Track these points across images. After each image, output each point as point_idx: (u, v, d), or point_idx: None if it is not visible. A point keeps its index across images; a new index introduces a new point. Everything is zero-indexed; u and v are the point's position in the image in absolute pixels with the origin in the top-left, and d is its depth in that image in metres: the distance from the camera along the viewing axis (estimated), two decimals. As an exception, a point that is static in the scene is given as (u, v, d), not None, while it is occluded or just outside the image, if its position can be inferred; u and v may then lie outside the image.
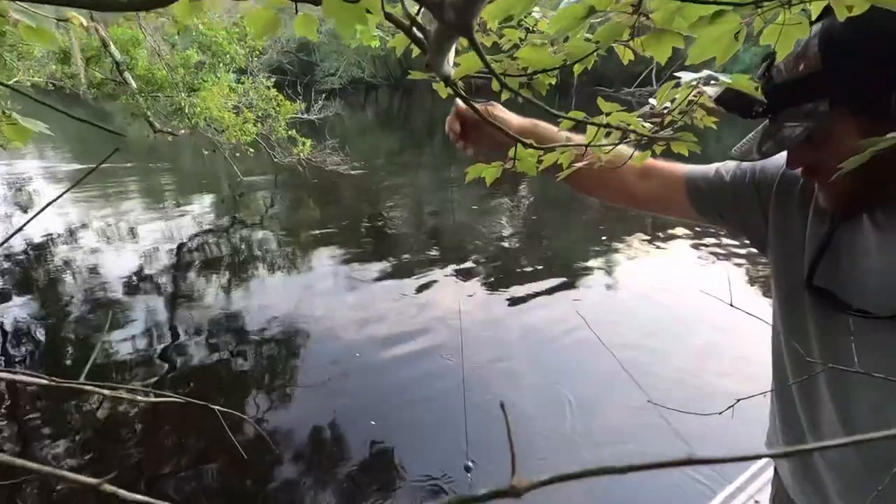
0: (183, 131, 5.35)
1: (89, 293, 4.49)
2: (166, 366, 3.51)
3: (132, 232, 6.02)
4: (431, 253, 5.66)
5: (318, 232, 6.28)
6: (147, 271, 4.99)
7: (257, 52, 6.34)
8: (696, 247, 5.74)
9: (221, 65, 5.57)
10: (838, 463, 0.72)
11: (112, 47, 4.83)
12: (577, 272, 5.14)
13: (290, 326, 4.02)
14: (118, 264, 5.09)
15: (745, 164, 0.81)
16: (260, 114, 6.14)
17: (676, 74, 0.63)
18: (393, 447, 2.76)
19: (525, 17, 0.53)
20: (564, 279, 4.91)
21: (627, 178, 0.90)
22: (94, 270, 4.99)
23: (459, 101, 0.84)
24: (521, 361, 3.58)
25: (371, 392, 3.26)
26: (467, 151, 0.91)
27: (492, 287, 4.75)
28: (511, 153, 0.62)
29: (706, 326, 3.87)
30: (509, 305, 4.37)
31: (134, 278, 4.81)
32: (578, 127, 0.59)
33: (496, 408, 2.87)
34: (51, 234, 5.77)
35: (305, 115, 7.50)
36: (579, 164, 0.63)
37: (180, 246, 5.70)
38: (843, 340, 0.65)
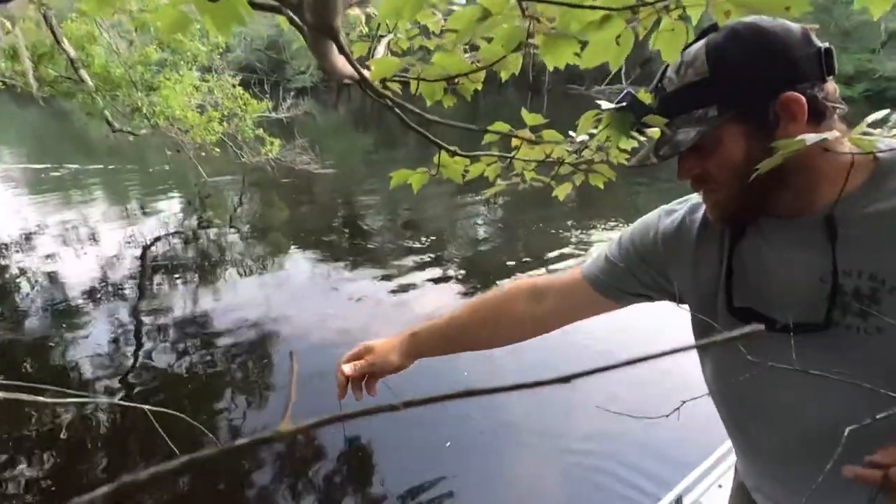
0: (144, 131, 5.18)
1: (47, 300, 4.31)
2: (132, 373, 3.40)
3: (93, 236, 5.81)
4: (406, 253, 5.63)
5: (289, 232, 6.18)
6: (110, 276, 4.83)
7: (220, 50, 6.18)
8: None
9: (183, 62, 5.42)
10: (778, 455, 0.74)
11: (66, 43, 4.64)
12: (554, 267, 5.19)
13: (262, 329, 3.94)
14: (78, 270, 4.91)
15: (625, 241, 0.83)
16: (226, 113, 5.99)
17: (598, 101, 0.64)
18: (372, 447, 2.74)
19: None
20: (539, 273, 4.95)
21: (522, 311, 0.90)
22: (52, 277, 4.80)
23: (345, 367, 0.89)
24: (503, 360, 3.59)
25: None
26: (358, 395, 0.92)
27: (465, 284, 4.76)
28: (435, 160, 0.61)
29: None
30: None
31: (95, 284, 4.65)
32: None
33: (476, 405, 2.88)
34: (4, 241, 5.53)
35: (274, 114, 7.36)
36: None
37: (145, 249, 5.54)
38: (768, 353, 0.65)
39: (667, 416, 0.52)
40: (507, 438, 2.80)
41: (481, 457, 2.64)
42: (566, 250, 5.62)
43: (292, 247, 5.68)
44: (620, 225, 6.26)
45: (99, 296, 4.42)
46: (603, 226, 6.27)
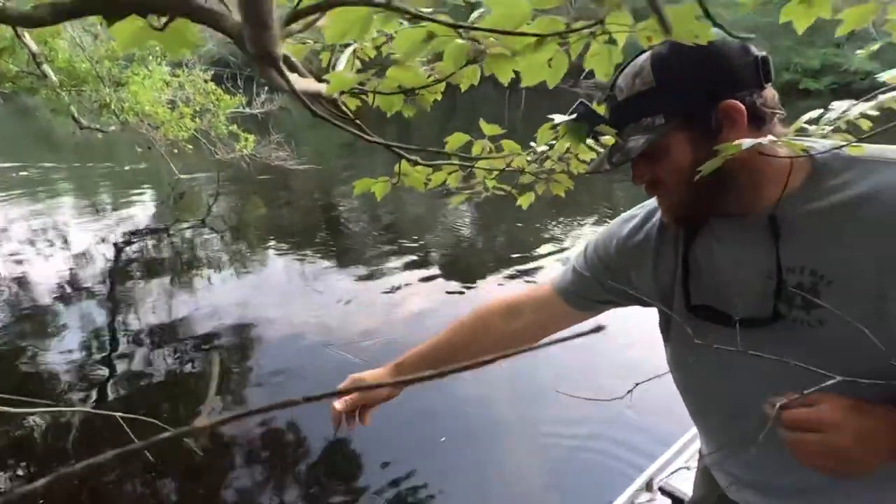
0: (113, 128, 5.03)
1: (14, 304, 4.19)
2: (105, 378, 3.33)
3: (62, 236, 5.65)
4: (388, 251, 5.61)
5: (266, 230, 6.10)
6: (81, 278, 4.70)
7: (191, 44, 6.02)
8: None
9: (152, 57, 5.27)
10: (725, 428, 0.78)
11: (27, 37, 4.47)
12: (534, 265, 5.24)
13: (241, 329, 3.89)
14: (47, 272, 4.77)
15: (590, 251, 0.86)
16: (198, 109, 5.86)
17: (550, 116, 0.65)
18: (354, 446, 2.74)
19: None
20: (521, 269, 4.99)
21: (500, 329, 0.92)
22: (20, 280, 4.65)
23: (336, 403, 0.89)
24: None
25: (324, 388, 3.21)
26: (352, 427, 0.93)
27: (448, 282, 4.77)
28: (396, 168, 0.62)
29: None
30: (466, 297, 4.41)
31: (66, 286, 4.52)
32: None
33: (464, 400, 2.90)
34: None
35: (248, 110, 7.22)
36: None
37: (117, 250, 5.41)
38: (727, 349, 0.69)
39: (621, 398, 0.56)
40: (490, 429, 2.83)
41: (468, 447, 2.67)
42: (548, 247, 5.68)
43: (271, 245, 5.61)
44: (602, 218, 6.35)
45: (70, 299, 4.31)
46: (583, 220, 6.34)
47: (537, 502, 2.44)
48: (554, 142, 0.55)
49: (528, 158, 0.59)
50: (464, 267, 5.19)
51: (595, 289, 0.86)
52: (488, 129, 0.55)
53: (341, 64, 0.56)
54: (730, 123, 0.62)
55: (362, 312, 4.19)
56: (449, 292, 4.50)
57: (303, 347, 3.67)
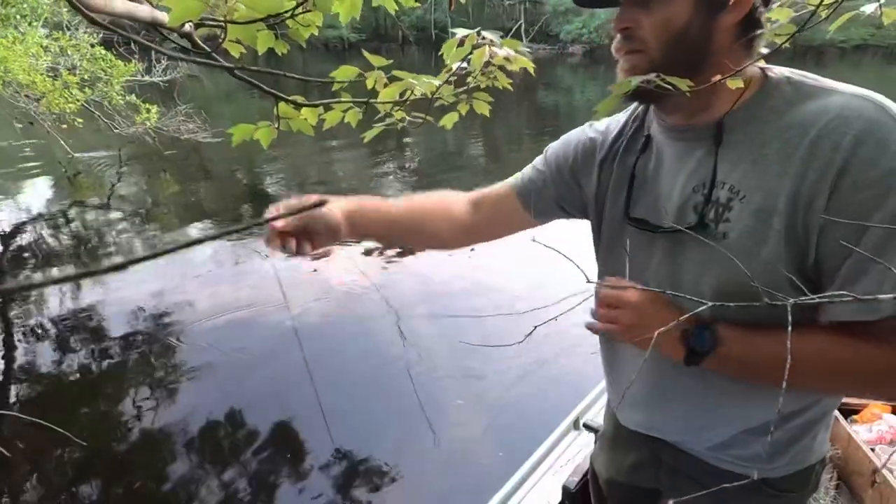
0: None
1: None
2: (7, 383, 2.98)
3: (-68, 230, 4.92)
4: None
5: (182, 209, 5.64)
6: (-42, 275, 4.14)
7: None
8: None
9: (20, 17, 4.57)
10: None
11: None
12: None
13: (162, 317, 3.62)
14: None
15: (550, 153, 0.86)
16: (86, 77, 5.21)
17: (453, 30, 0.59)
18: (300, 426, 2.66)
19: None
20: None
21: (459, 218, 0.91)
22: None
23: (275, 224, 0.76)
24: (420, 321, 3.61)
25: (268, 372, 3.08)
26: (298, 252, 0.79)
27: (381, 250, 4.68)
28: (275, 111, 0.54)
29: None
30: (405, 268, 4.35)
31: (-60, 286, 3.96)
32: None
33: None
34: None
35: (147, 78, 6.52)
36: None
37: (3, 238, 4.80)
38: (650, 258, 0.73)
39: (520, 342, 0.59)
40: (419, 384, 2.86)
41: (398, 408, 2.67)
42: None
43: (189, 225, 5.20)
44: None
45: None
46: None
47: (473, 450, 2.51)
48: (470, 57, 0.50)
49: (440, 81, 0.53)
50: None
51: (548, 191, 0.86)
52: (375, 60, 0.48)
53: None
54: (736, 4, 0.59)
55: (297, 290, 4.03)
56: (387, 263, 4.43)
57: (234, 331, 3.48)
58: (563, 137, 0.86)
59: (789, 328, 0.37)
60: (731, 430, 0.74)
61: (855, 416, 1.69)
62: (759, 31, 0.61)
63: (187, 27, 0.43)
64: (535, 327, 0.52)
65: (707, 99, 0.65)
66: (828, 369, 0.60)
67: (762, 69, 0.65)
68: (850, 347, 0.58)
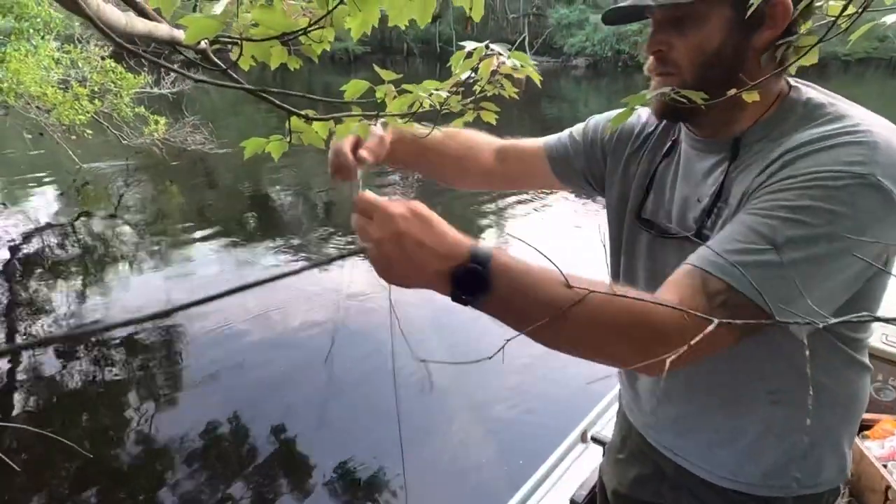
0: (-8, 112, 4.42)
1: None
2: (9, 389, 2.99)
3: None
4: (324, 234, 5.41)
5: (188, 220, 5.68)
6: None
7: (80, 15, 5.37)
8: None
9: (33, 31, 4.65)
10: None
11: None
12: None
13: (166, 325, 3.62)
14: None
15: (591, 124, 0.87)
16: (96, 89, 5.28)
17: (461, 44, 0.60)
18: (298, 438, 2.65)
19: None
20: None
21: (485, 161, 0.92)
22: None
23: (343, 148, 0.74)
24: (427, 334, 3.60)
25: (269, 384, 3.07)
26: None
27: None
28: (287, 125, 0.55)
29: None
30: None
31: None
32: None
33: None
34: None
35: (156, 90, 6.61)
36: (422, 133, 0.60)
37: (13, 248, 4.83)
38: (664, 263, 0.72)
39: (489, 358, 0.51)
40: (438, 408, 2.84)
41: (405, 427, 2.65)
42: (486, 220, 5.71)
43: (195, 235, 5.23)
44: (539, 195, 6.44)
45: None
46: (519, 195, 6.38)
47: (479, 463, 2.49)
48: (478, 67, 0.51)
49: (447, 91, 0.54)
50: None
51: (579, 159, 0.87)
52: (385, 74, 0.48)
53: (219, 7, 0.47)
54: (772, 23, 0.58)
55: (300, 301, 4.03)
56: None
57: (239, 341, 3.48)
58: (609, 113, 0.86)
59: (806, 352, 0.37)
60: (732, 445, 0.73)
61: (867, 433, 1.67)
62: (788, 47, 0.61)
63: (203, 44, 0.45)
64: (508, 340, 0.48)
65: (731, 114, 0.65)
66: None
67: (789, 84, 0.65)
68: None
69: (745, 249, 0.54)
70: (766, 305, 0.51)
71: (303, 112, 0.52)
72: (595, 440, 1.56)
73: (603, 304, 0.52)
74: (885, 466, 1.51)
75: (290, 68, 0.50)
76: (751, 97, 0.54)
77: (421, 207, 0.54)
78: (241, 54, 0.41)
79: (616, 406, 1.74)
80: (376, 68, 0.49)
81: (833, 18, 0.45)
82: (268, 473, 2.48)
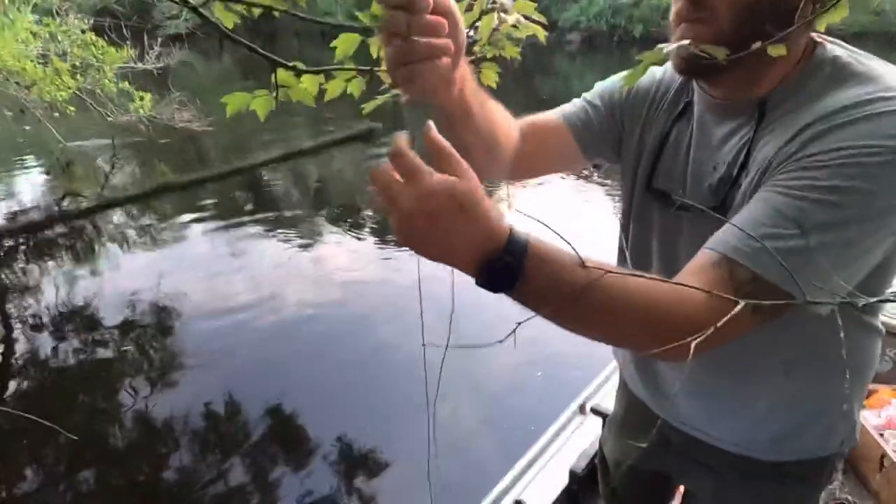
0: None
1: None
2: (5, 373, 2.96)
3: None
4: (315, 211, 5.35)
5: (178, 199, 5.58)
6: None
7: (57, -15, 5.17)
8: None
9: (8, 1, 4.45)
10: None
11: None
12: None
13: (159, 306, 3.59)
14: None
15: (607, 86, 0.80)
16: (77, 63, 5.10)
17: None
18: (299, 417, 2.65)
19: None
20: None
21: (513, 142, 0.76)
22: None
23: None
24: (412, 314, 3.58)
25: (267, 363, 3.06)
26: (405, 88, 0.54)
27: (379, 239, 4.64)
28: (272, 79, 0.50)
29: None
30: (401, 260, 4.32)
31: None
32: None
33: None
34: None
35: (140, 65, 6.41)
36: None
37: (-4, 231, 4.74)
38: (678, 235, 0.70)
39: (501, 342, 0.48)
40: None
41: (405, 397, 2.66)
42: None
43: (185, 214, 5.14)
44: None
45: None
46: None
47: (478, 435, 2.50)
48: (478, 24, 0.47)
49: None
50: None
51: (600, 122, 0.78)
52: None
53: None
54: None
55: (293, 281, 3.99)
56: (384, 258, 4.38)
57: (231, 320, 3.45)
58: (617, 77, 0.78)
59: (841, 334, 0.35)
60: (742, 414, 0.72)
61: (864, 402, 1.68)
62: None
63: None
64: (519, 324, 0.45)
65: (756, 72, 0.60)
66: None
67: (814, 41, 0.61)
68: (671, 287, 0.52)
69: (773, 234, 0.50)
70: (796, 291, 0.49)
71: (291, 63, 0.47)
72: (595, 412, 1.56)
73: (633, 295, 0.49)
74: (881, 435, 1.52)
75: (275, 16, 0.45)
76: (778, 52, 0.49)
77: (466, 186, 0.46)
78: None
79: (615, 378, 1.74)
80: (362, 15, 0.45)
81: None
82: (261, 449, 2.48)
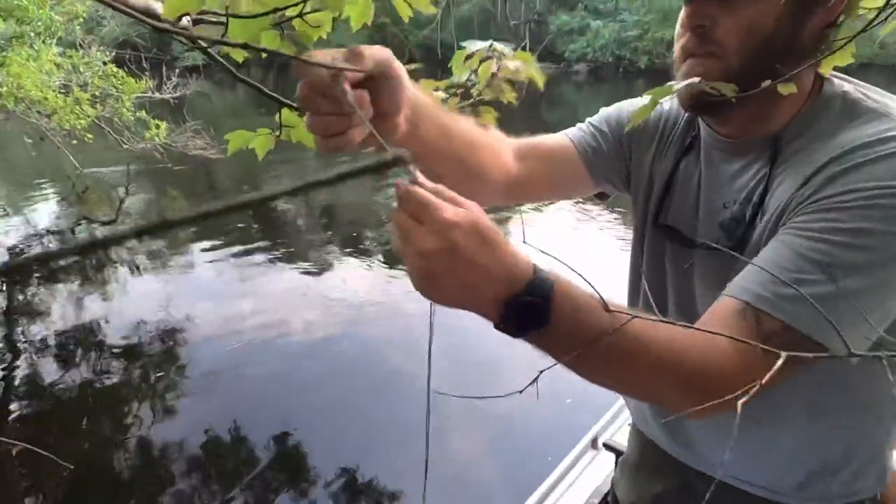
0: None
1: None
2: (6, 396, 2.94)
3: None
4: (324, 240, 5.38)
5: (190, 225, 5.64)
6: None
7: (81, 20, 5.38)
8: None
9: (34, 34, 4.63)
10: None
11: None
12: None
13: (166, 333, 3.58)
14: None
15: (612, 112, 0.78)
16: (97, 93, 5.26)
17: (463, 44, 0.57)
18: (302, 446, 2.61)
19: None
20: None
21: (504, 164, 0.72)
22: None
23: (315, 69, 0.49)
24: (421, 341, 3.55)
25: (272, 391, 3.03)
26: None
27: (388, 268, 4.64)
28: (277, 118, 0.50)
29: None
30: (409, 283, 4.30)
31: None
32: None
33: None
34: None
35: (157, 94, 6.60)
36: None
37: (13, 252, 4.80)
38: (692, 269, 0.68)
39: (520, 392, 0.44)
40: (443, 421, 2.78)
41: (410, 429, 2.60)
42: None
43: (195, 241, 5.20)
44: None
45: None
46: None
47: (486, 470, 2.43)
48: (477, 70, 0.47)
49: (445, 94, 0.49)
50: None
51: (608, 148, 0.75)
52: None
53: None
54: (826, 8, 0.52)
55: (301, 306, 3.99)
56: (391, 279, 4.38)
57: (239, 346, 3.43)
58: (630, 103, 0.76)
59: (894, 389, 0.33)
60: (766, 455, 0.69)
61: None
62: (830, 37, 0.55)
63: (185, 21, 0.40)
64: (541, 372, 0.42)
65: (766, 109, 0.59)
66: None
67: (821, 76, 0.60)
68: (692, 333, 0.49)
69: (797, 280, 0.48)
70: (835, 341, 0.46)
71: (296, 104, 0.47)
72: (608, 447, 1.52)
73: (663, 345, 0.47)
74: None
75: (290, 76, 0.45)
76: (788, 90, 0.48)
77: (481, 216, 0.43)
78: (225, 32, 0.36)
79: (626, 414, 1.70)
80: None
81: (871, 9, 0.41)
82: (266, 475, 2.42)
